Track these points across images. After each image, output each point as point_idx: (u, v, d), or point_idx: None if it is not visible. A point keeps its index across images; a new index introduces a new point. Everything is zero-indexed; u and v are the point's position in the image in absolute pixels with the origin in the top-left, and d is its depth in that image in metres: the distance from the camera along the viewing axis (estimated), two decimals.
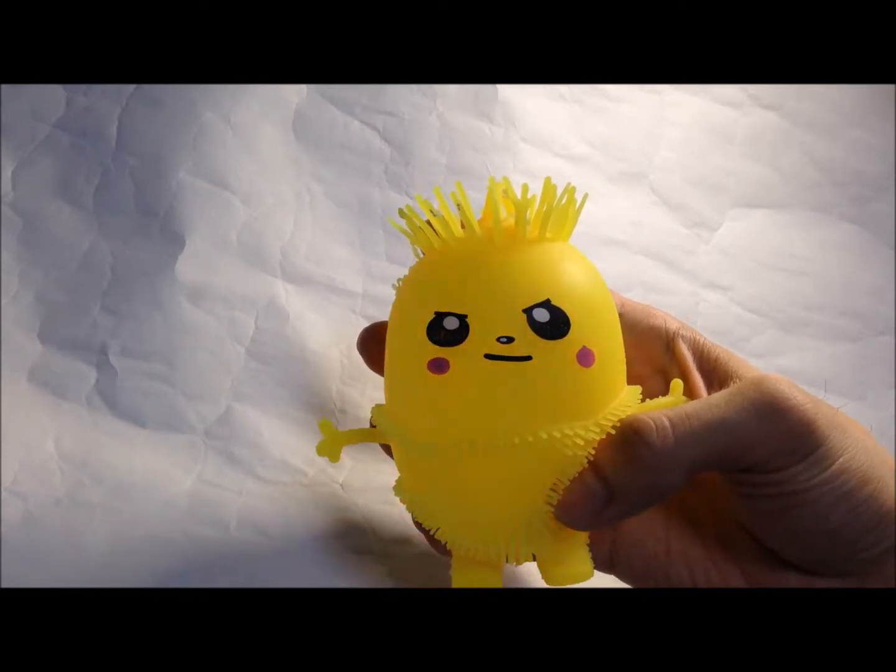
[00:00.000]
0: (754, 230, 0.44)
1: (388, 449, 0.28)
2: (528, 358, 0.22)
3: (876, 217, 0.46)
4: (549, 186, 0.23)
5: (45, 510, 0.30)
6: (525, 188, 0.23)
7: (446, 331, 0.23)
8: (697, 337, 0.27)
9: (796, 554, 0.24)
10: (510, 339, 0.22)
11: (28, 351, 0.35)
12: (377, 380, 0.36)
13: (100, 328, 0.35)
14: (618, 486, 0.23)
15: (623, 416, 0.23)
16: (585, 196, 0.24)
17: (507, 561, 0.25)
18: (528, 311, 0.22)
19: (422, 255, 0.25)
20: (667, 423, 0.23)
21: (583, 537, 0.25)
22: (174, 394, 0.34)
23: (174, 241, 0.37)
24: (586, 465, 0.23)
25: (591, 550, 0.25)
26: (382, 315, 0.29)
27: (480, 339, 0.22)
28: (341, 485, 0.33)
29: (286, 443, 0.34)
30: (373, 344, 0.28)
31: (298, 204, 0.38)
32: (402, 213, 0.24)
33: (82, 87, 0.39)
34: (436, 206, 0.24)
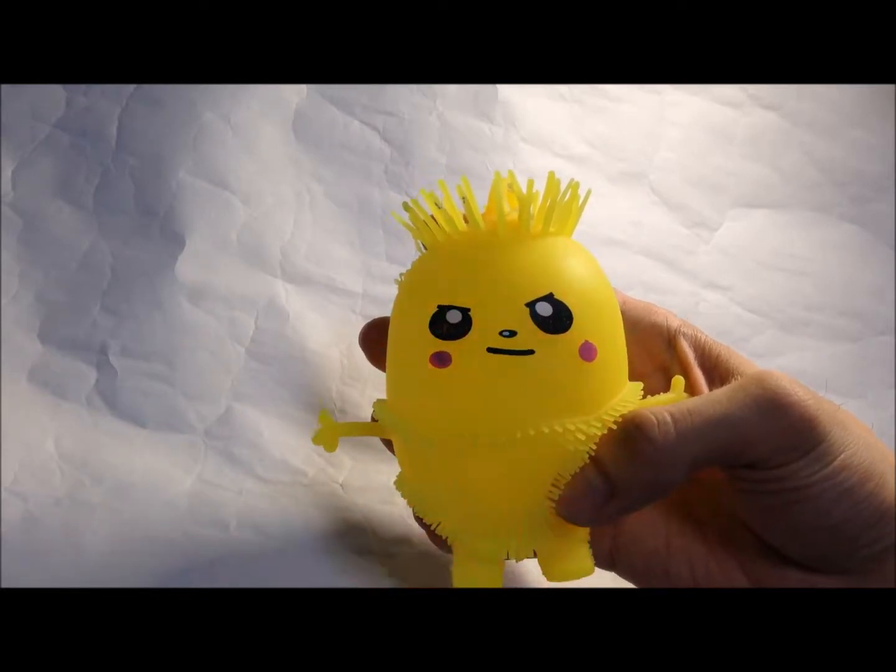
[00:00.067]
0: (754, 230, 0.44)
1: (389, 444, 0.28)
2: (531, 352, 0.22)
3: (876, 217, 0.46)
4: (552, 181, 0.23)
5: (45, 510, 0.30)
6: (530, 183, 0.23)
7: (449, 324, 0.23)
8: (699, 334, 0.27)
9: (798, 550, 0.24)
10: (513, 333, 0.22)
11: (28, 351, 0.35)
12: (377, 380, 0.36)
13: (100, 328, 0.35)
14: (619, 481, 0.23)
15: (625, 412, 0.23)
16: (589, 192, 0.24)
17: (507, 557, 0.25)
18: (530, 305, 0.22)
19: (424, 250, 0.25)
20: (668, 418, 0.23)
21: (584, 533, 0.25)
22: (174, 394, 0.34)
23: (174, 241, 0.37)
24: (588, 461, 0.23)
25: (591, 547, 0.25)
26: (382, 315, 0.29)
27: (483, 333, 0.23)
28: (341, 485, 0.33)
29: (286, 443, 0.34)
30: (374, 339, 0.28)
31: (298, 204, 0.38)
32: (406, 206, 0.25)
33: (82, 87, 0.39)
34: (440, 199, 0.24)
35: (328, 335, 0.36)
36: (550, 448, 0.23)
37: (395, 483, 0.27)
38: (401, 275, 0.26)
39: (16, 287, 0.36)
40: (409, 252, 0.39)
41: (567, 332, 0.23)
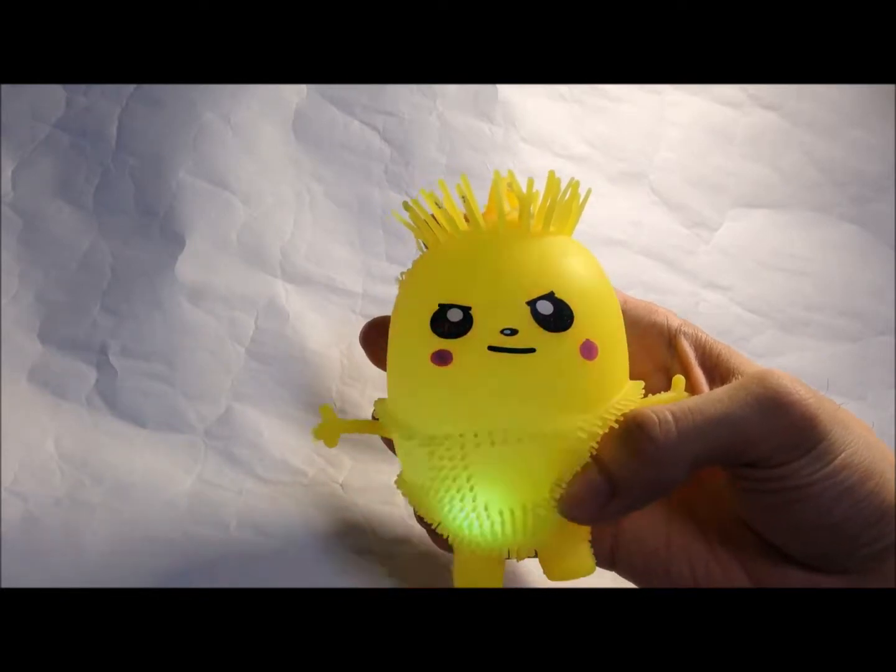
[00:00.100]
0: (754, 230, 0.44)
1: (390, 443, 0.28)
2: (532, 350, 0.22)
3: (876, 217, 0.46)
4: (552, 180, 0.23)
5: (45, 510, 0.30)
6: (530, 182, 0.23)
7: (450, 323, 0.23)
8: (699, 334, 0.27)
9: (799, 549, 0.24)
10: (514, 332, 0.22)
11: (28, 351, 0.35)
12: (377, 380, 0.36)
13: (100, 328, 0.35)
14: (621, 480, 0.23)
15: (626, 410, 0.24)
16: (589, 191, 0.24)
17: (508, 556, 0.25)
18: (531, 304, 0.23)
19: (425, 250, 0.25)
20: (670, 417, 0.23)
21: (585, 532, 0.25)
22: (174, 394, 0.34)
23: (174, 241, 0.37)
24: (589, 459, 0.23)
25: (592, 546, 0.25)
26: (382, 315, 0.29)
27: (484, 332, 0.23)
28: (341, 485, 0.33)
29: (286, 443, 0.34)
30: (375, 338, 0.28)
31: (298, 204, 0.38)
32: (406, 206, 0.25)
33: (82, 87, 0.39)
34: (440, 199, 0.24)
35: (328, 335, 0.36)
36: (552, 446, 0.23)
37: (396, 482, 0.27)
38: (402, 274, 0.26)
39: (16, 287, 0.36)
40: (409, 252, 0.39)
41: (568, 331, 0.23)
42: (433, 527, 0.25)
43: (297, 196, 0.38)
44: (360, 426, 0.28)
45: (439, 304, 0.23)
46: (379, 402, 0.26)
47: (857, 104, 0.47)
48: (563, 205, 0.24)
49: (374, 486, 0.33)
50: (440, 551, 0.29)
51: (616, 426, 0.23)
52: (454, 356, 0.23)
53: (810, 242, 0.45)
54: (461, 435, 0.23)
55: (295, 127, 0.39)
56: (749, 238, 0.44)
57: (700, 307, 0.41)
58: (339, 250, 0.38)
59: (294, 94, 0.40)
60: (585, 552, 0.25)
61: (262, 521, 0.31)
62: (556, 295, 0.23)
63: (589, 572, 0.25)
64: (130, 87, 0.39)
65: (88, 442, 0.33)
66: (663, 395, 0.25)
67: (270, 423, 0.34)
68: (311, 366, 0.36)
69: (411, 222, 0.25)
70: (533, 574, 0.30)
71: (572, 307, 0.23)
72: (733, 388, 0.23)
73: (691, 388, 0.26)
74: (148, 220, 0.37)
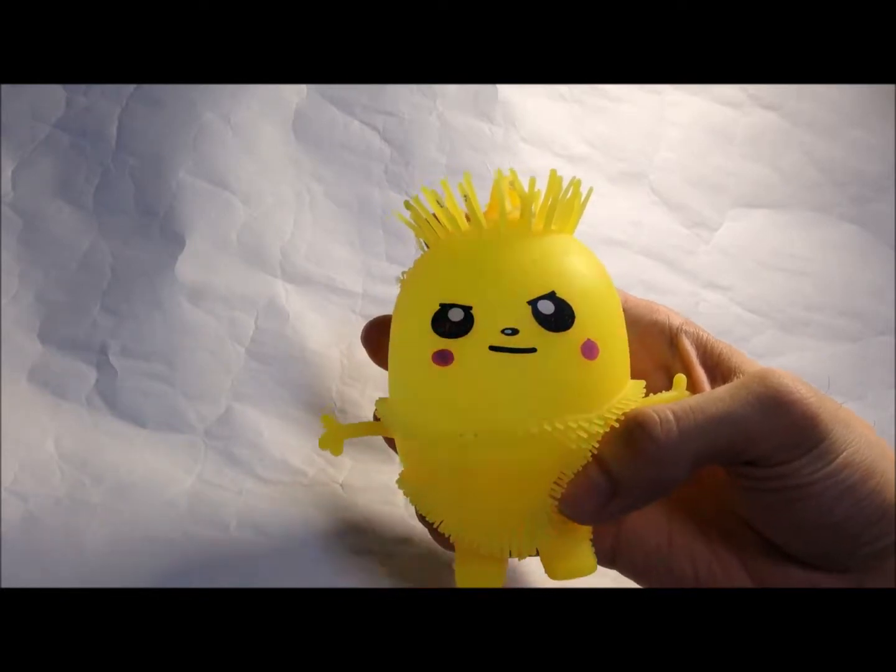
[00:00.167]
0: (754, 230, 0.44)
1: (391, 443, 0.28)
2: (533, 350, 0.22)
3: (876, 217, 0.46)
4: (554, 179, 0.23)
5: (45, 510, 0.30)
6: (532, 181, 0.23)
7: (451, 322, 0.23)
8: (700, 333, 0.27)
9: (800, 548, 0.24)
10: (515, 331, 0.22)
11: (28, 351, 0.35)
12: (377, 380, 0.36)
13: (100, 328, 0.35)
14: (622, 479, 0.23)
15: (627, 410, 0.24)
16: (591, 190, 0.24)
17: (510, 555, 0.25)
18: (532, 303, 0.23)
19: (426, 249, 0.25)
20: (671, 416, 0.23)
21: (586, 531, 0.25)
22: (174, 394, 0.34)
23: (174, 241, 0.37)
24: (590, 458, 0.23)
25: (593, 545, 0.25)
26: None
27: (485, 331, 0.23)
28: (341, 485, 0.33)
29: (286, 443, 0.34)
30: (376, 337, 0.28)
31: (298, 204, 0.38)
32: (407, 205, 0.25)
33: (82, 87, 0.39)
34: (442, 197, 0.24)
35: (328, 335, 0.36)
36: (553, 446, 0.23)
37: (398, 482, 0.27)
38: (403, 273, 0.26)
39: (16, 287, 0.36)
40: (409, 252, 0.39)
41: (569, 330, 0.23)
42: (435, 526, 0.25)
43: (297, 196, 0.38)
44: (363, 429, 0.28)
45: (440, 304, 0.23)
46: (380, 402, 0.26)
47: (857, 104, 0.47)
48: (564, 204, 0.24)
49: (374, 486, 0.33)
50: (440, 551, 0.29)
51: (617, 425, 0.23)
52: (455, 356, 0.23)
53: (810, 242, 0.45)
54: (462, 434, 0.23)
55: (295, 127, 0.39)
56: (749, 238, 0.44)
57: (700, 307, 0.41)
58: (339, 250, 0.38)
59: (294, 94, 0.40)
60: (587, 551, 0.25)
61: (262, 521, 0.31)
62: (558, 294, 0.23)
63: (590, 571, 0.25)
64: (130, 87, 0.39)
65: (88, 442, 0.33)
66: (664, 395, 0.25)
67: (270, 423, 0.34)
68: (311, 366, 0.36)
69: (413, 221, 0.25)
70: (534, 572, 0.30)
71: (573, 306, 0.23)
72: (734, 387, 0.23)
73: (692, 387, 0.26)
74: (148, 220, 0.37)
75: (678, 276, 0.42)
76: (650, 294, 0.40)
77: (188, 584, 0.28)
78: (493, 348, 0.22)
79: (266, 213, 0.38)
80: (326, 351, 0.36)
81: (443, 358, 0.23)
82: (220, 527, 0.31)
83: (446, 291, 0.23)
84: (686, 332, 0.27)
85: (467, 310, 0.23)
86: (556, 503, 0.24)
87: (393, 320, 0.26)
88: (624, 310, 0.25)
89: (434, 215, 0.24)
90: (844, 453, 0.23)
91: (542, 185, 0.24)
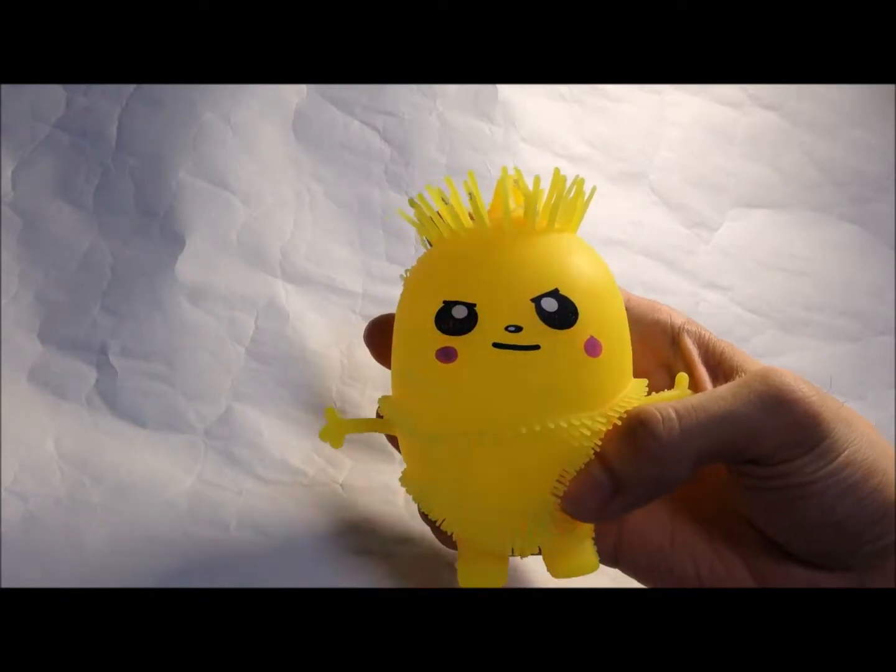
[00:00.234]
0: (754, 230, 0.44)
1: (394, 440, 0.28)
2: (536, 347, 0.22)
3: (876, 217, 0.46)
4: (558, 178, 0.23)
5: (45, 510, 0.30)
6: (536, 180, 0.23)
7: (455, 319, 0.23)
8: (702, 332, 0.27)
9: (802, 546, 0.24)
10: (518, 329, 0.22)
11: (28, 351, 0.35)
12: (377, 380, 0.36)
13: (100, 328, 0.35)
14: (624, 477, 0.23)
15: (629, 408, 0.24)
16: (594, 189, 0.24)
17: (512, 553, 0.25)
18: (536, 301, 0.23)
19: (430, 246, 0.26)
20: (673, 414, 0.23)
21: (588, 530, 0.25)
22: (174, 394, 0.34)
23: (174, 241, 0.37)
24: (592, 457, 0.23)
25: (595, 543, 0.25)
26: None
27: (489, 328, 0.23)
28: (341, 485, 0.33)
29: (286, 443, 0.34)
30: (379, 336, 0.28)
31: (298, 204, 0.38)
32: (412, 202, 0.25)
33: (82, 87, 0.39)
34: (446, 195, 0.24)
35: (328, 335, 0.36)
36: (555, 444, 0.23)
37: (400, 479, 0.27)
38: (406, 271, 0.26)
39: (16, 287, 0.36)
40: (410, 252, 0.39)
41: (572, 328, 0.23)
42: (437, 524, 0.25)
43: (297, 196, 0.38)
44: (365, 425, 0.28)
45: (444, 301, 0.23)
46: (383, 400, 0.27)
47: (857, 104, 0.47)
48: (568, 202, 0.24)
49: (374, 486, 0.33)
50: (441, 551, 0.29)
51: (619, 423, 0.23)
52: (459, 353, 0.23)
53: (810, 242, 0.45)
54: (465, 432, 0.23)
55: (295, 127, 0.39)
56: (749, 238, 0.44)
57: (700, 307, 0.41)
58: (339, 250, 0.38)
59: (294, 94, 0.40)
60: (589, 549, 0.25)
61: (262, 521, 0.31)
62: (561, 292, 0.23)
63: (592, 569, 0.25)
64: (130, 87, 0.39)
65: (88, 442, 0.33)
66: (667, 393, 0.25)
67: (270, 423, 0.34)
68: (311, 366, 0.36)
69: (416, 219, 0.25)
70: (535, 571, 0.30)
71: (577, 304, 0.23)
72: (737, 386, 0.23)
73: (694, 386, 0.26)
74: (148, 220, 0.37)
75: (678, 276, 0.42)
76: (650, 294, 0.40)
77: (188, 584, 0.28)
78: (496, 345, 0.22)
79: (266, 213, 0.38)
80: (326, 351, 0.36)
81: (446, 355, 0.23)
82: (220, 527, 0.31)
83: (450, 289, 0.23)
84: (688, 332, 0.27)
85: (471, 307, 0.23)
86: (559, 501, 0.24)
87: (396, 318, 0.26)
88: (626, 309, 0.25)
89: (438, 213, 0.24)
90: (846, 452, 0.23)
91: (545, 184, 0.24)
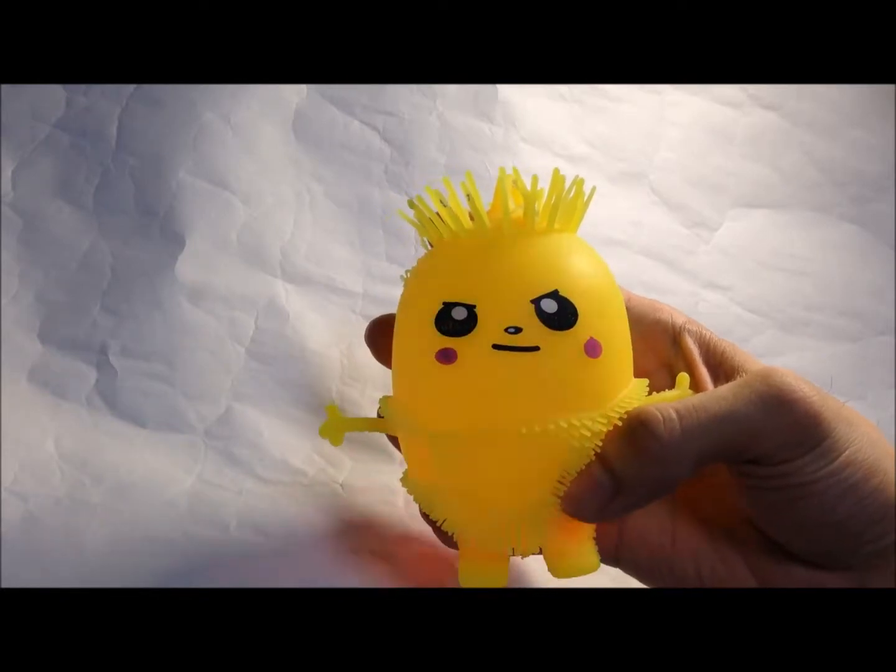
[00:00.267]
0: (754, 230, 0.44)
1: (394, 441, 0.28)
2: (536, 348, 0.22)
3: (876, 217, 0.46)
4: (557, 178, 0.23)
5: (45, 510, 0.30)
6: (535, 180, 0.23)
7: (454, 321, 0.23)
8: (703, 331, 0.27)
9: (803, 546, 0.24)
10: (518, 330, 0.22)
11: (28, 351, 0.35)
12: (377, 380, 0.36)
13: (100, 328, 0.35)
14: (625, 477, 0.23)
15: (630, 408, 0.24)
16: (594, 189, 0.24)
17: (513, 553, 0.25)
18: (536, 302, 0.23)
19: (430, 247, 0.26)
20: (674, 414, 0.23)
21: (589, 529, 0.25)
22: (174, 394, 0.34)
23: (174, 241, 0.37)
24: (593, 457, 0.23)
25: (596, 543, 0.25)
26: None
27: (489, 330, 0.23)
28: (341, 485, 0.33)
29: (286, 443, 0.34)
30: (380, 336, 0.28)
31: (298, 204, 0.38)
32: (411, 203, 0.25)
33: (82, 87, 0.39)
34: (445, 196, 0.24)
35: (328, 335, 0.36)
36: (556, 444, 0.23)
37: (401, 480, 0.27)
38: (406, 272, 0.26)
39: (16, 287, 0.36)
40: (410, 252, 0.39)
41: (572, 329, 0.23)
42: (438, 524, 0.26)
43: (297, 196, 0.38)
44: (365, 423, 0.28)
45: (444, 303, 0.23)
46: (384, 400, 0.27)
47: (857, 104, 0.47)
48: (567, 202, 0.24)
49: (374, 486, 0.33)
50: (440, 551, 0.29)
51: (620, 424, 0.23)
52: (459, 354, 0.23)
53: (810, 242, 0.45)
54: (466, 432, 0.23)
55: (295, 127, 0.39)
56: (749, 238, 0.44)
57: (700, 307, 0.41)
58: (339, 250, 0.38)
59: (294, 94, 0.40)
60: (590, 549, 0.25)
61: (262, 521, 0.31)
62: (561, 293, 0.23)
63: (593, 569, 0.25)
64: (130, 87, 0.39)
65: (88, 442, 0.33)
66: (667, 393, 0.25)
67: (270, 423, 0.34)
68: (311, 366, 0.36)
69: (416, 220, 0.25)
70: (536, 571, 0.30)
71: (576, 305, 0.23)
72: (737, 386, 0.23)
73: (695, 386, 0.26)
74: (148, 220, 0.37)
75: (678, 276, 0.42)
76: (650, 294, 0.40)
77: (188, 584, 0.28)
78: (496, 347, 0.23)
79: (266, 213, 0.38)
80: (326, 351, 0.36)
81: (446, 356, 0.23)
82: (220, 527, 0.31)
83: (450, 290, 0.23)
84: (689, 331, 0.27)
85: (471, 308, 0.23)
86: (560, 501, 0.24)
87: (397, 319, 0.26)
88: (627, 308, 0.26)
89: (437, 214, 0.24)
90: (847, 452, 0.23)
91: (544, 184, 0.24)
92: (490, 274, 0.23)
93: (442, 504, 0.25)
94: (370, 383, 0.36)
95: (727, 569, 0.25)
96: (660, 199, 0.43)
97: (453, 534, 0.25)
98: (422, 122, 0.40)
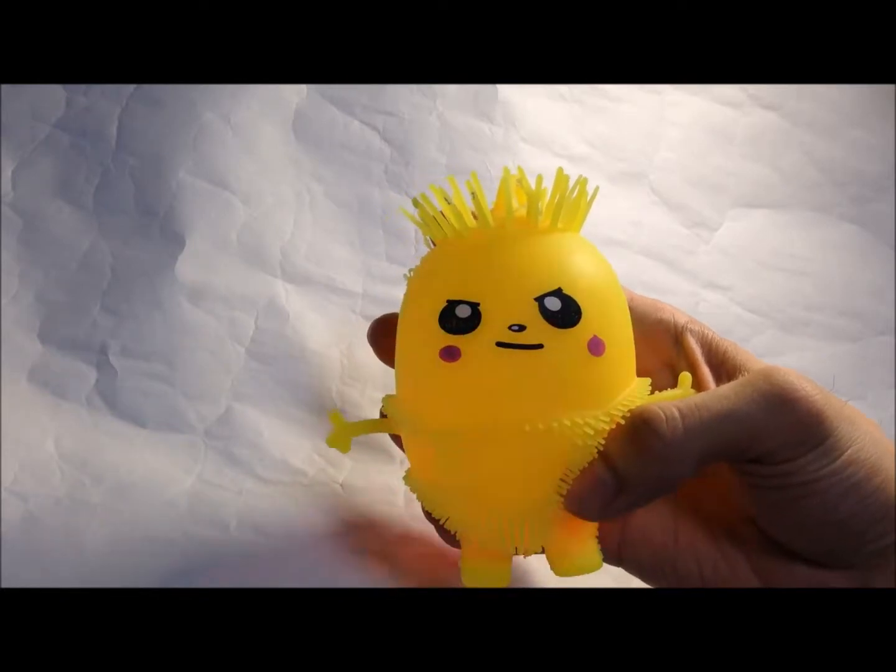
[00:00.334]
0: (754, 230, 0.44)
1: (397, 440, 0.28)
2: (540, 346, 0.23)
3: (876, 217, 0.46)
4: (561, 177, 0.24)
5: (45, 510, 0.30)
6: (539, 179, 0.23)
7: (458, 319, 0.23)
8: (706, 331, 0.27)
9: (805, 545, 0.24)
10: (522, 328, 0.23)
11: (28, 351, 0.35)
12: (377, 380, 0.36)
13: (100, 328, 0.35)
14: (627, 476, 0.23)
15: (633, 407, 0.24)
16: (597, 188, 0.24)
17: (516, 552, 0.25)
18: (539, 300, 0.23)
19: (433, 246, 0.26)
20: (677, 413, 0.23)
21: (592, 528, 0.25)
22: (174, 394, 0.34)
23: (174, 241, 0.37)
24: (596, 455, 0.23)
25: (599, 542, 0.25)
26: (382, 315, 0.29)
27: (492, 328, 0.23)
28: (341, 485, 0.33)
29: (286, 443, 0.34)
30: (382, 335, 0.28)
31: (298, 204, 0.38)
32: (415, 202, 0.25)
33: (82, 87, 0.39)
34: (449, 195, 0.24)
35: (328, 335, 0.36)
36: (559, 442, 0.23)
37: (404, 478, 0.27)
38: (409, 271, 0.26)
39: (16, 287, 0.36)
40: (410, 252, 0.39)
41: (576, 327, 0.23)
42: (441, 523, 0.26)
43: (297, 196, 0.38)
44: (370, 426, 0.28)
45: (448, 301, 0.23)
46: (387, 399, 0.27)
47: (857, 104, 0.47)
48: (571, 202, 0.24)
49: (374, 486, 0.33)
50: (441, 551, 0.29)
51: (623, 423, 0.23)
52: (462, 352, 0.23)
53: (810, 242, 0.45)
54: (469, 430, 0.23)
55: (295, 127, 0.39)
56: (749, 238, 0.44)
57: (700, 307, 0.41)
58: (339, 250, 0.38)
59: (294, 94, 0.40)
60: (592, 548, 0.25)
61: (262, 521, 0.31)
62: (564, 291, 0.23)
63: (595, 568, 0.25)
64: (130, 87, 0.39)
65: (88, 442, 0.33)
66: (670, 392, 0.25)
67: (270, 423, 0.34)
68: (311, 366, 0.36)
69: (419, 218, 0.25)
70: (538, 571, 0.30)
71: (580, 303, 0.23)
72: (739, 385, 0.23)
73: (698, 385, 0.26)
74: (148, 220, 0.37)
75: (678, 276, 0.42)
76: (650, 294, 0.40)
77: (188, 584, 0.28)
78: (500, 344, 0.23)
79: (266, 213, 0.38)
80: (326, 351, 0.36)
81: (450, 354, 0.23)
82: (220, 527, 0.31)
83: (453, 288, 0.23)
84: (691, 331, 0.27)
85: (475, 306, 0.23)
86: (562, 500, 0.24)
87: (400, 317, 0.26)
88: (629, 308, 0.26)
89: (441, 212, 0.24)
90: (849, 451, 0.23)
91: (548, 184, 0.24)
92: (494, 272, 0.23)
93: (445, 502, 0.25)
94: (370, 383, 0.36)
95: (729, 568, 0.25)
96: (660, 199, 0.43)
97: (456, 532, 0.25)
98: (422, 122, 0.40)
